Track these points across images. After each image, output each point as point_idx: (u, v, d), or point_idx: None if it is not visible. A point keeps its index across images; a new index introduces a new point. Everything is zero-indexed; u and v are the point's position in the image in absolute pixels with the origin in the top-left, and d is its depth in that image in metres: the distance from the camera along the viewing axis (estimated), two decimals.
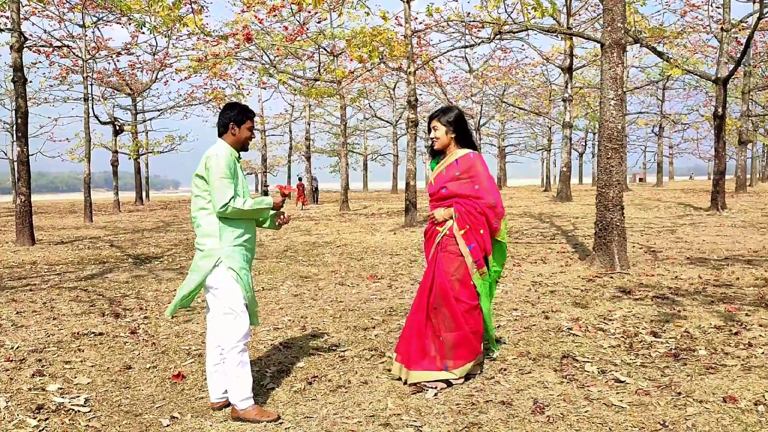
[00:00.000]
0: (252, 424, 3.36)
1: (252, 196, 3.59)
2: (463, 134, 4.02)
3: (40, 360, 4.48)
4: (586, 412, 3.35)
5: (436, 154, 4.12)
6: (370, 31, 13.84)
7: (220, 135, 3.61)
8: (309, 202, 27.27)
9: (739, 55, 15.21)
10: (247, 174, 39.69)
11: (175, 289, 7.25)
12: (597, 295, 6.26)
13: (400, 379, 3.92)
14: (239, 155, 3.63)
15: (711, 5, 20.81)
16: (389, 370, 4.10)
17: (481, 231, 3.92)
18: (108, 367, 4.37)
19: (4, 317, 5.80)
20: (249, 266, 3.58)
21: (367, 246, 11.11)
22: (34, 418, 3.45)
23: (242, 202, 3.45)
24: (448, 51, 16.66)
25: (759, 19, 13.12)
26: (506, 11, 11.92)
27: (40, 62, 24.84)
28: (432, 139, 4.03)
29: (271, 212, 3.70)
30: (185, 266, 9.04)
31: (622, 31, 7.67)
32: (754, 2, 20.00)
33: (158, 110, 32.32)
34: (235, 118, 3.57)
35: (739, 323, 4.98)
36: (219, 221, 3.47)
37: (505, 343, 4.67)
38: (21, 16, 12.49)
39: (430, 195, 4.10)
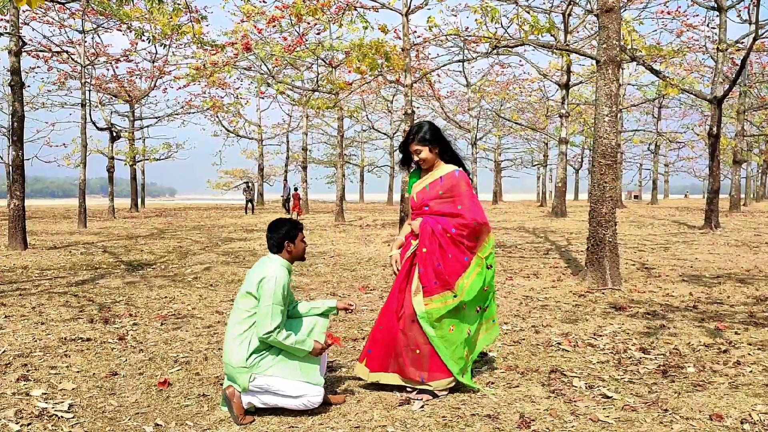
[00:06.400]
0: None
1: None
2: (444, 145, 3.95)
3: (25, 365, 4.45)
4: (572, 427, 3.34)
5: (410, 168, 4.05)
6: (368, 44, 13.88)
7: (273, 251, 3.66)
8: (303, 213, 27.28)
9: (734, 75, 15.33)
10: (242, 182, 39.58)
11: (166, 296, 7.23)
12: (588, 311, 6.26)
13: (361, 379, 3.94)
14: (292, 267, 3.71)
15: (707, 25, 21.03)
16: (357, 376, 4.04)
17: (450, 255, 3.77)
18: (94, 373, 4.34)
19: None
20: (280, 351, 3.57)
21: (361, 257, 11.10)
22: (17, 423, 3.43)
23: (285, 336, 3.46)
24: (445, 65, 16.81)
25: (754, 40, 13.24)
26: (503, 27, 12.00)
27: (38, 67, 24.88)
28: (417, 162, 3.94)
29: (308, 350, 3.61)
30: (178, 273, 9.01)
31: (618, 49, 7.73)
32: (750, 24, 20.21)
33: (156, 117, 32.28)
34: (289, 235, 3.63)
35: (729, 341, 4.98)
36: (249, 345, 3.48)
37: (493, 356, 4.66)
38: (21, 21, 12.53)
39: (412, 209, 4.04)
